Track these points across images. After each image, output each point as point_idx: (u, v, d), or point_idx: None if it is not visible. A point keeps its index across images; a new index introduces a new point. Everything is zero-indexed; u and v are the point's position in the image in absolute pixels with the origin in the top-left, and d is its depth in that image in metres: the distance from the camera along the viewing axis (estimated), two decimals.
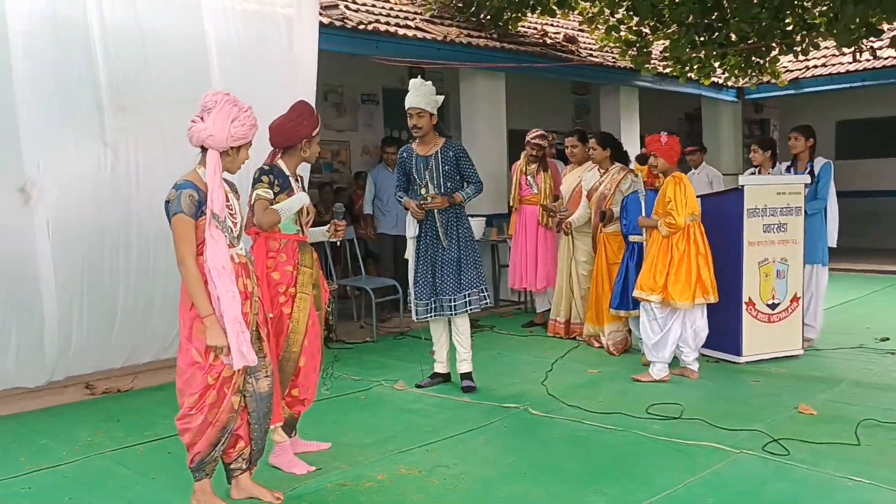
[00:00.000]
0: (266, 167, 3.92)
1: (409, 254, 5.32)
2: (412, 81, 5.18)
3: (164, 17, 5.39)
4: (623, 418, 4.54)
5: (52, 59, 4.95)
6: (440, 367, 5.47)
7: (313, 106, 6.26)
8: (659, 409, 4.69)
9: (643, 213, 5.63)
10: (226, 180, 3.40)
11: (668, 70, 9.86)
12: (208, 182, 3.22)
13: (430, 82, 5.12)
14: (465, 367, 5.35)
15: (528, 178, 7.45)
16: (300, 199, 3.87)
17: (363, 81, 10.41)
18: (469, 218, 7.90)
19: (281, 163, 3.97)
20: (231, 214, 3.33)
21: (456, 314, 5.18)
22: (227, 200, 3.33)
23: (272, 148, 3.98)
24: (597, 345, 6.48)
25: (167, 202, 3.22)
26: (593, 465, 3.86)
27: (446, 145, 5.22)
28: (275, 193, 3.86)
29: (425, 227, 5.22)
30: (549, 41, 9.76)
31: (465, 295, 5.15)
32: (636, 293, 5.44)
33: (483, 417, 4.65)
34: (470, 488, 3.60)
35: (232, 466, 3.49)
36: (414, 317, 5.33)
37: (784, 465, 3.76)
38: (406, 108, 5.11)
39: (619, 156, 6.70)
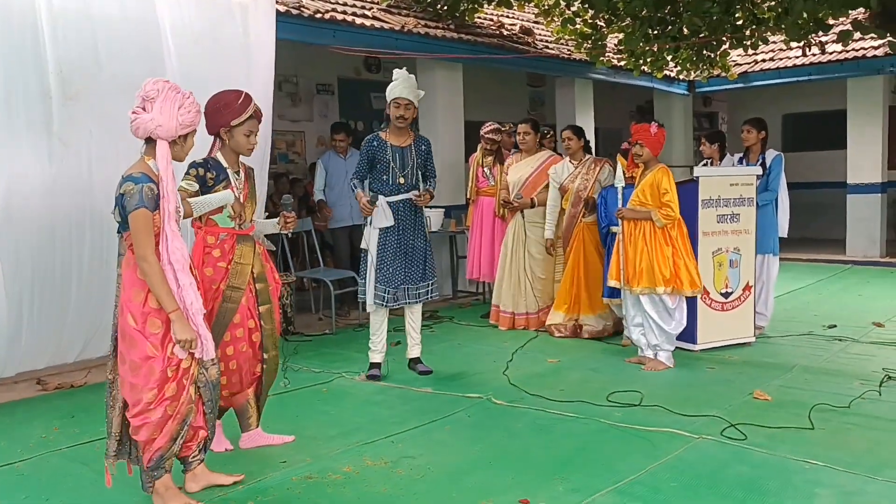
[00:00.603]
0: (200, 160, 3.83)
1: (370, 243, 5.26)
2: (399, 72, 5.26)
3: (115, 2, 5.25)
4: (585, 406, 4.59)
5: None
6: (379, 357, 5.43)
7: (269, 93, 6.25)
8: (619, 396, 4.76)
9: (620, 206, 5.64)
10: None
11: (622, 63, 9.97)
12: (162, 174, 3.17)
13: (413, 76, 5.21)
14: (416, 351, 5.56)
15: (485, 169, 7.48)
16: (223, 196, 3.76)
17: (318, 71, 10.32)
18: (429, 209, 7.99)
19: (219, 155, 3.90)
20: (176, 207, 3.29)
21: (418, 301, 5.34)
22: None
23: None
24: (557, 334, 6.54)
25: (122, 195, 3.14)
26: (558, 453, 3.90)
27: (418, 138, 5.36)
28: (210, 187, 3.79)
29: (399, 217, 5.23)
30: (505, 32, 9.78)
31: (427, 284, 5.34)
32: (637, 289, 5.40)
33: (447, 408, 4.67)
34: (437, 478, 3.61)
35: (190, 459, 3.44)
36: (371, 307, 5.30)
37: (742, 450, 3.86)
38: (393, 98, 5.19)
39: (587, 147, 6.87)
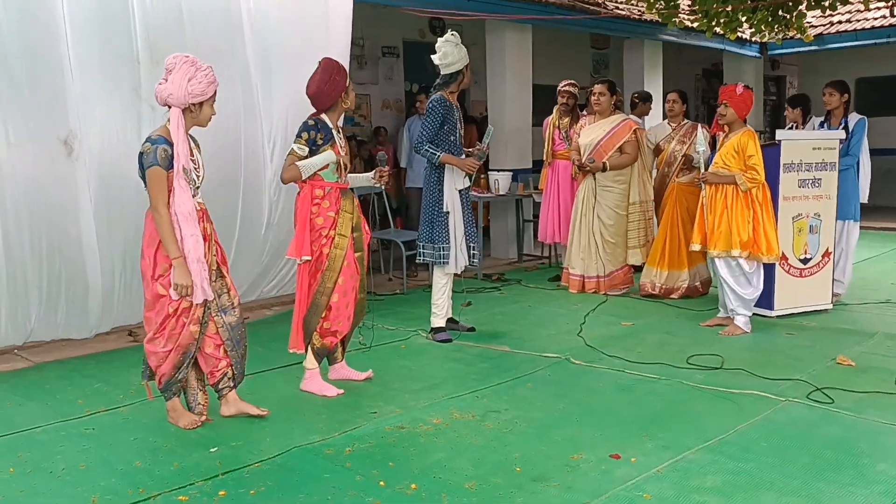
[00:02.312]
0: (312, 122, 4.19)
1: (452, 205, 5.30)
2: (451, 37, 5.25)
3: None
4: (665, 368, 4.62)
5: (93, 13, 4.92)
6: (444, 320, 5.50)
7: (346, 58, 6.33)
8: (699, 359, 4.77)
9: (701, 170, 5.61)
10: (191, 136, 3.74)
11: (694, 24, 9.75)
12: (173, 137, 3.55)
13: None
14: (450, 312, 5.61)
15: (562, 132, 7.44)
16: (325, 157, 4.18)
17: (383, 34, 10.34)
18: (497, 172, 8.02)
19: (324, 117, 4.23)
20: (195, 168, 3.67)
21: (475, 260, 5.51)
22: (192, 154, 3.67)
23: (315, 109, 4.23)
24: (650, 290, 6.62)
25: (142, 154, 3.56)
26: (643, 411, 3.94)
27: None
28: (318, 146, 4.16)
29: (468, 179, 5.34)
30: None
31: (477, 245, 5.57)
32: (714, 252, 5.38)
33: (526, 366, 4.74)
34: (525, 432, 3.69)
35: (220, 386, 3.88)
36: (458, 268, 5.37)
37: (830, 412, 3.85)
38: (467, 64, 5.27)
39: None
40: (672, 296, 6.57)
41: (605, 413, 3.92)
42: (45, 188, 4.84)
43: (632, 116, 7.47)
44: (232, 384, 3.92)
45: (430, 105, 5.26)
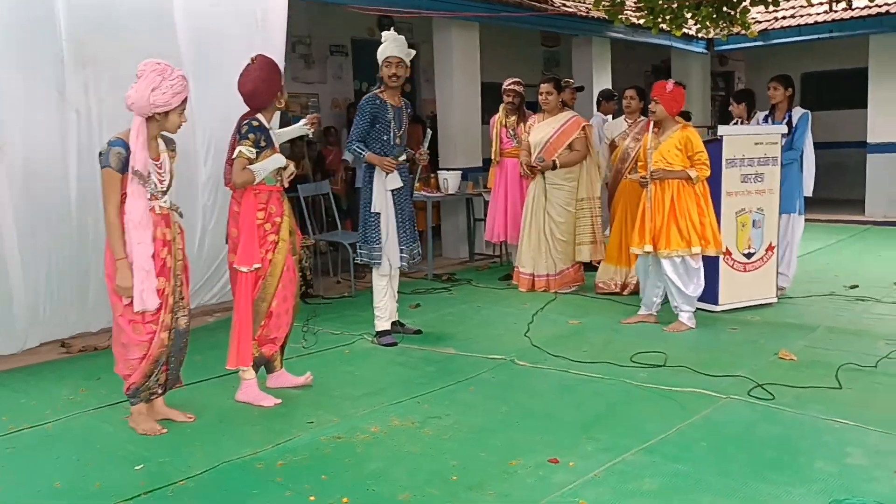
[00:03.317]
0: (255, 123, 4.06)
1: (383, 206, 5.16)
2: (387, 34, 5.17)
3: None
4: (609, 367, 4.58)
5: (15, 13, 4.72)
6: (388, 323, 5.39)
7: (282, 57, 6.20)
8: (643, 357, 4.75)
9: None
10: (165, 137, 3.75)
11: (641, 21, 9.79)
12: (131, 143, 3.51)
13: (402, 36, 5.15)
14: (395, 315, 5.51)
15: (509, 130, 7.39)
16: (276, 160, 4.10)
17: (331, 32, 10.19)
18: (446, 171, 7.94)
19: (260, 117, 4.11)
20: (159, 171, 3.62)
21: (415, 261, 5.41)
22: (158, 158, 3.64)
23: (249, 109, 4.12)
24: (614, 287, 6.60)
25: (100, 154, 3.55)
26: (584, 413, 3.89)
27: (405, 101, 5.31)
28: (261, 149, 4.04)
29: (404, 179, 5.25)
30: None
31: (418, 245, 5.44)
32: (666, 252, 5.30)
33: (470, 369, 4.66)
34: (464, 438, 3.61)
35: (150, 390, 3.81)
36: (390, 270, 5.25)
37: (771, 409, 3.84)
38: (385, 58, 5.09)
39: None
40: (623, 292, 6.56)
41: (545, 416, 3.87)
42: None
43: (598, 115, 7.51)
44: (161, 391, 3.88)
45: (360, 104, 5.17)
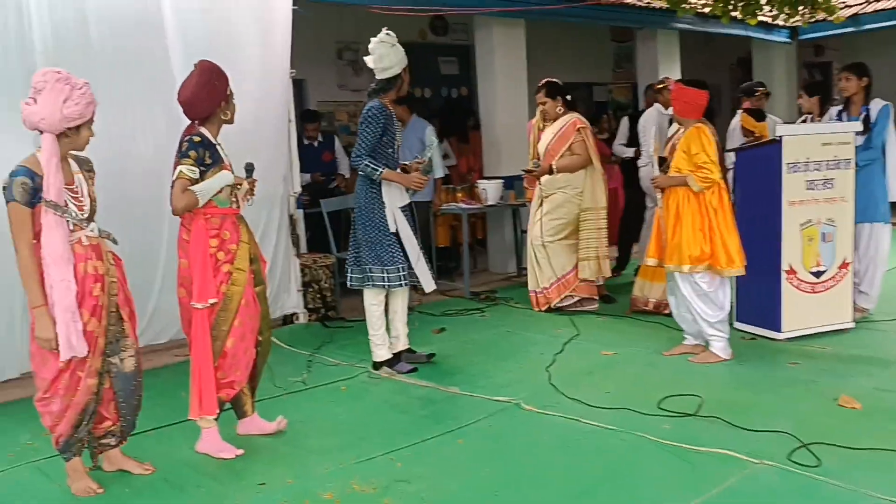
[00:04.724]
0: (196, 138, 3.59)
1: (399, 223, 4.73)
2: (386, 37, 4.73)
3: None
4: (629, 415, 3.90)
5: None
6: (401, 345, 4.98)
7: (287, 62, 5.78)
8: (673, 401, 4.04)
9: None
10: (77, 157, 3.34)
11: (708, 9, 8.90)
12: (44, 167, 3.08)
13: None
14: (407, 341, 5.05)
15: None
16: (222, 178, 3.61)
17: None
18: (485, 181, 7.36)
19: (205, 131, 3.64)
20: (75, 197, 3.22)
21: (416, 282, 4.89)
22: (72, 182, 3.23)
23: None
24: (644, 305, 5.98)
25: (3, 188, 3.13)
26: (581, 479, 3.25)
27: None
28: (207, 167, 3.57)
29: (410, 194, 4.85)
30: None
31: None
32: (673, 267, 4.69)
33: (468, 414, 4.07)
34: None
35: (101, 441, 3.48)
36: (432, 286, 4.90)
37: (812, 482, 3.08)
38: (403, 67, 4.74)
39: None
40: (665, 311, 5.81)
41: (532, 482, 3.24)
42: None
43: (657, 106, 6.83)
44: (116, 441, 3.52)
45: (369, 114, 4.66)
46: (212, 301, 3.56)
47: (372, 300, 4.82)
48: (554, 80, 6.40)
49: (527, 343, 5.45)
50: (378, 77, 4.72)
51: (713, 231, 4.60)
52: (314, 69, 8.79)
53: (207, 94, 3.58)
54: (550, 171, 6.10)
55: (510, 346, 5.40)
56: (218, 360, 3.66)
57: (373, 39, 4.71)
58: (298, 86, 9.55)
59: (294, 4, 5.84)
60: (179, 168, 3.51)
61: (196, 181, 3.52)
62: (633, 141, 7.42)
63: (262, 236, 5.71)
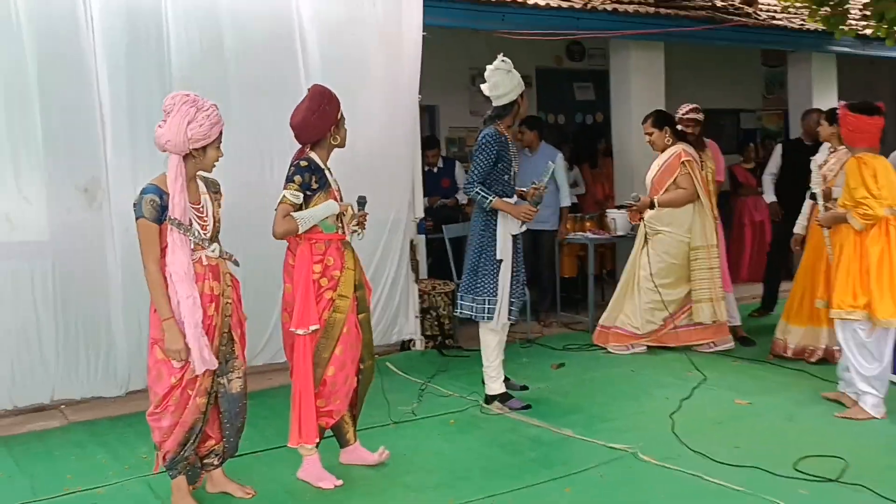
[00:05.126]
0: (303, 163, 3.56)
1: (506, 252, 4.60)
2: (502, 64, 4.67)
3: None
4: (760, 476, 3.50)
5: (126, 52, 4.66)
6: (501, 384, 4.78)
7: (416, 87, 5.75)
8: (813, 463, 3.60)
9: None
10: (206, 179, 3.41)
11: (869, 31, 8.20)
12: (169, 187, 3.17)
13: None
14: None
15: None
16: (326, 208, 3.56)
17: (514, 62, 9.61)
18: (615, 210, 7.06)
19: (314, 156, 3.60)
20: (200, 217, 3.28)
21: (512, 319, 4.77)
22: (198, 202, 3.30)
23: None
24: (781, 351, 5.50)
25: (134, 204, 3.20)
26: None
27: None
28: (313, 192, 3.54)
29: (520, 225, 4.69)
30: (719, 3, 8.42)
31: (517, 301, 4.78)
32: (832, 311, 4.28)
33: (580, 460, 3.80)
34: None
35: (204, 461, 3.50)
36: (503, 321, 4.67)
37: None
38: (520, 94, 4.66)
39: None
40: (811, 359, 5.30)
41: None
42: (63, 239, 4.61)
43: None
44: (218, 462, 3.54)
45: (483, 141, 4.58)
46: (313, 328, 3.51)
47: (486, 331, 4.68)
48: (661, 109, 6.19)
49: (652, 385, 5.09)
50: (494, 104, 4.65)
51: (875, 274, 4.12)
52: (446, 95, 8.80)
53: (317, 119, 3.55)
54: (652, 206, 5.79)
55: (633, 387, 5.06)
56: (318, 388, 3.60)
57: (488, 67, 4.66)
58: (430, 111, 9.64)
59: (424, 31, 5.83)
60: (283, 193, 3.50)
61: (299, 206, 3.50)
62: (789, 171, 6.80)
63: (380, 260, 5.71)
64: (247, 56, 4.95)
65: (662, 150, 5.90)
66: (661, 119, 5.93)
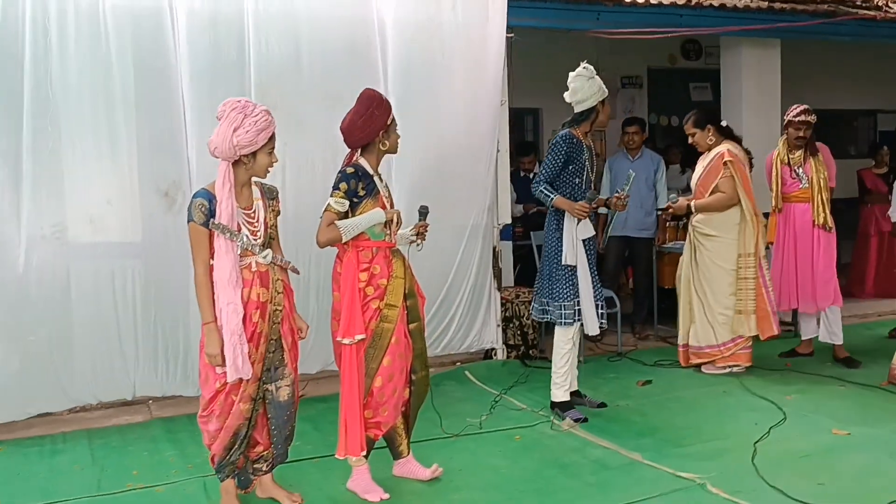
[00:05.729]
0: (350, 169, 3.49)
1: (578, 258, 4.51)
2: (583, 71, 4.57)
3: (326, 1, 4.98)
4: None
5: (208, 58, 4.75)
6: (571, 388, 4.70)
7: (498, 91, 5.60)
8: None
9: None
10: (262, 185, 3.42)
11: None
12: (217, 193, 3.19)
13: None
14: (576, 383, 4.82)
15: (794, 169, 5.87)
16: (372, 217, 3.47)
17: (624, 62, 9.27)
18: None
19: (363, 162, 3.53)
20: (250, 223, 3.27)
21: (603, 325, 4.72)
22: (250, 208, 3.29)
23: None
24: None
25: (188, 208, 3.26)
26: None
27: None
28: (360, 198, 3.47)
29: (595, 227, 4.68)
30: None
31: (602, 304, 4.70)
32: None
33: (641, 488, 3.55)
34: None
35: (255, 465, 3.53)
36: (595, 329, 4.61)
37: None
38: (600, 100, 4.61)
39: None
40: None
41: None
42: (146, 241, 4.77)
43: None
44: (268, 467, 3.55)
45: (554, 142, 4.59)
46: (359, 337, 3.43)
47: (561, 336, 4.58)
48: (704, 109, 5.94)
49: (742, 407, 4.72)
50: (575, 109, 4.61)
51: None
52: (549, 98, 8.57)
53: (364, 123, 3.48)
54: (689, 211, 5.51)
55: (720, 410, 4.72)
56: (366, 399, 3.53)
57: (571, 73, 4.56)
58: (533, 115, 9.45)
59: (510, 32, 5.68)
60: (328, 200, 3.44)
61: (344, 214, 3.44)
62: None
63: (459, 266, 5.59)
64: (325, 63, 4.94)
65: (707, 151, 5.58)
66: (703, 117, 5.63)
